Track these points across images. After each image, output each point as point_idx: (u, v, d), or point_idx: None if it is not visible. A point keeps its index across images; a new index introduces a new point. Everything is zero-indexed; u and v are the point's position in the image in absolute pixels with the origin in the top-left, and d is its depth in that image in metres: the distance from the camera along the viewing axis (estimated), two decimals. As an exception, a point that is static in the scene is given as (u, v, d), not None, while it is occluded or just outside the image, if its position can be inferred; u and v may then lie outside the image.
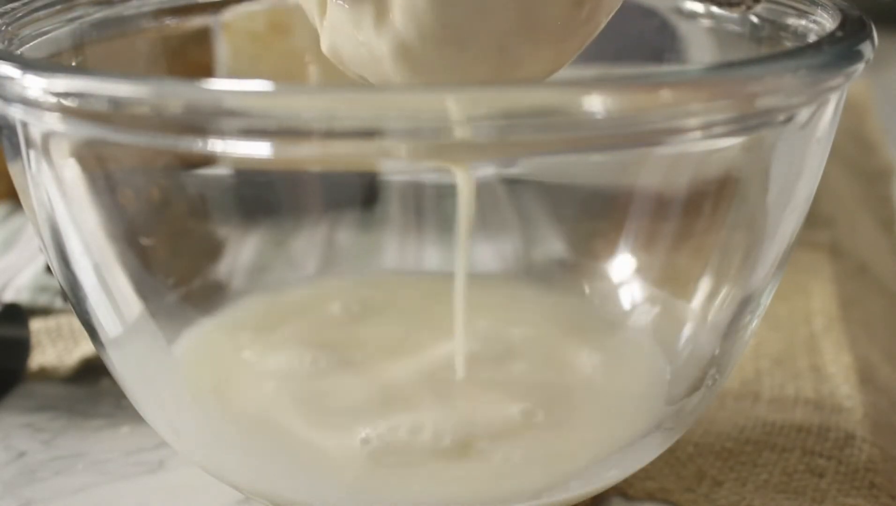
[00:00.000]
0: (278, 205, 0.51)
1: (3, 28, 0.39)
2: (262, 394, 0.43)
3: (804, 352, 0.51)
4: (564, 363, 0.44)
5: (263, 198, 0.50)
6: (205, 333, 0.46)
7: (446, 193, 0.43)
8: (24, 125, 0.36)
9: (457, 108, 0.30)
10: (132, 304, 0.43)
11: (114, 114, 0.32)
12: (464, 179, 0.41)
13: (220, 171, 0.48)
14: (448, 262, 0.52)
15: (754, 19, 0.44)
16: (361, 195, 0.56)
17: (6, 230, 0.64)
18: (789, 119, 0.35)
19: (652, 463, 0.41)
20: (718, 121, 0.33)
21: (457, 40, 0.35)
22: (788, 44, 0.42)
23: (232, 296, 0.49)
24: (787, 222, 0.39)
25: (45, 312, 0.55)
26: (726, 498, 0.41)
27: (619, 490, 0.42)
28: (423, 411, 0.41)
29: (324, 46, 0.37)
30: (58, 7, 0.42)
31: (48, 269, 0.57)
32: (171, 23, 0.48)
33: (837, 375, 0.49)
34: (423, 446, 0.39)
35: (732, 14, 0.45)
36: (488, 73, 0.35)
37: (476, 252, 0.54)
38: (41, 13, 0.42)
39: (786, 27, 0.42)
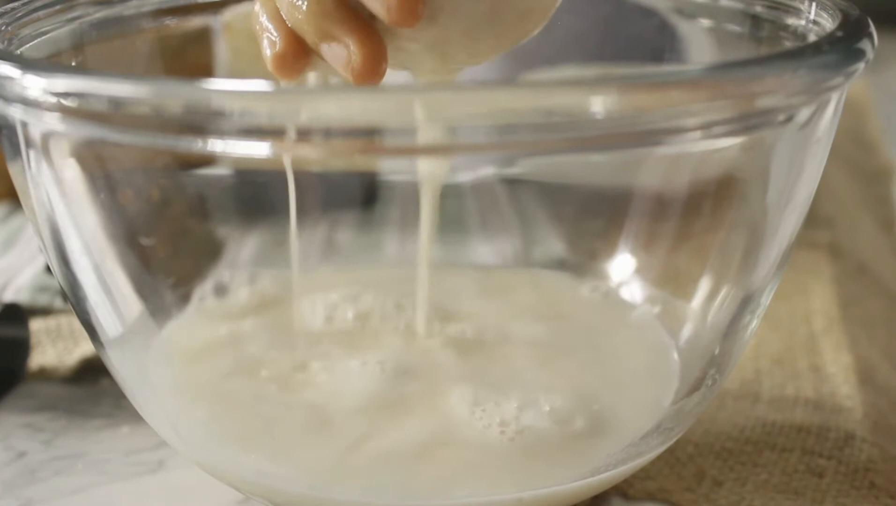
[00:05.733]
0: (278, 205, 0.51)
1: (3, 28, 0.39)
2: (255, 384, 0.43)
3: (804, 352, 0.51)
4: (564, 361, 0.44)
5: (263, 198, 0.50)
6: (197, 326, 0.46)
7: (446, 192, 0.43)
8: (24, 125, 0.36)
9: (459, 107, 0.30)
10: (132, 304, 0.43)
11: (114, 114, 0.32)
12: (428, 195, 0.42)
13: (219, 171, 0.48)
14: (447, 259, 0.52)
15: (754, 19, 0.44)
16: (361, 195, 0.56)
17: (6, 230, 0.64)
18: (789, 119, 0.35)
19: (652, 463, 0.41)
20: (718, 121, 0.33)
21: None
22: (788, 44, 0.42)
23: (229, 293, 0.49)
24: (787, 222, 0.39)
25: (45, 312, 0.55)
26: (726, 498, 0.41)
27: (619, 490, 0.42)
28: (419, 406, 0.41)
29: None
30: (58, 7, 0.43)
31: (48, 269, 0.57)
32: (171, 23, 0.48)
33: (837, 375, 0.49)
34: (417, 440, 0.39)
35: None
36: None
37: (476, 251, 0.54)
38: (41, 13, 0.42)
39: (786, 27, 0.42)
